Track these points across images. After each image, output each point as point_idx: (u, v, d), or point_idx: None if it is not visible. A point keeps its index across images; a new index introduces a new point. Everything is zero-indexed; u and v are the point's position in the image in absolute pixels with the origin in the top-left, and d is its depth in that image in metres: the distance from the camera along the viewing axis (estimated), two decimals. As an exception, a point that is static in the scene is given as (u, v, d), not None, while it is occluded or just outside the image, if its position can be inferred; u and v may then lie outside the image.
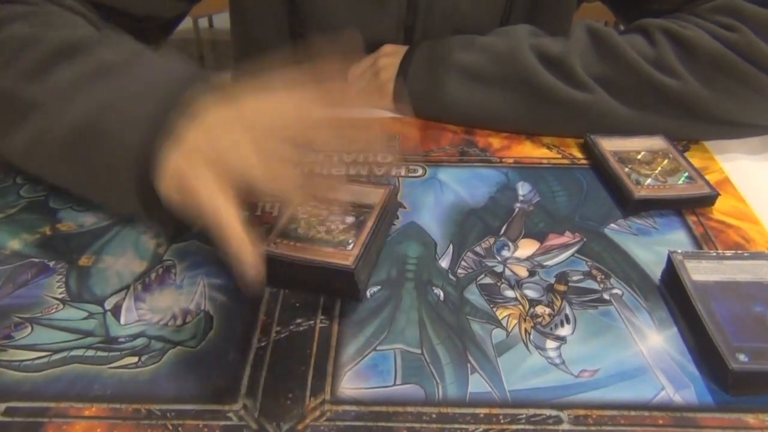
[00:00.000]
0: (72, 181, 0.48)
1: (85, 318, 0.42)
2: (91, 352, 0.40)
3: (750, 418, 0.36)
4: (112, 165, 0.41)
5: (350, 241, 0.44)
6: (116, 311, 0.43)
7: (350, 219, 0.46)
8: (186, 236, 0.49)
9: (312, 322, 0.42)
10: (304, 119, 0.39)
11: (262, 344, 0.41)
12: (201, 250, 0.48)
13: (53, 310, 0.43)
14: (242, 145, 0.37)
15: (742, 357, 0.37)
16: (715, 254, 0.45)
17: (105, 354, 0.40)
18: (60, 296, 0.44)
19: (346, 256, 0.43)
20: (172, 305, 0.43)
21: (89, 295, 0.44)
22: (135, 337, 0.41)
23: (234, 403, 0.37)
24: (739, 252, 0.46)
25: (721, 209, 0.52)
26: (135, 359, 0.40)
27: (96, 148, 0.42)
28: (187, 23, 2.41)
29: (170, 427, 0.36)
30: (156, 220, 0.43)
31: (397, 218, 0.51)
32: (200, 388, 0.38)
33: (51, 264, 0.47)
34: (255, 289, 0.37)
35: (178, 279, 0.46)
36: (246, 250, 0.35)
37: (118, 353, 0.40)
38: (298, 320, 0.42)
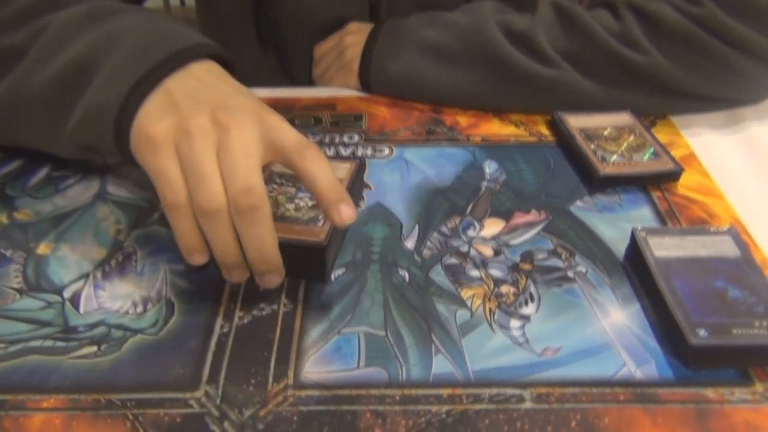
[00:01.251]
0: (45, 130, 0.46)
1: (43, 308, 0.42)
2: (49, 343, 0.39)
3: (709, 392, 0.37)
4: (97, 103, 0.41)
5: (320, 217, 0.43)
6: (75, 300, 0.42)
7: None
8: (146, 222, 0.48)
9: (275, 306, 0.42)
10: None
11: (225, 330, 0.40)
12: (163, 236, 0.47)
13: (10, 301, 0.42)
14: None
15: (702, 332, 0.38)
16: (677, 230, 0.46)
17: (63, 344, 0.39)
18: (17, 286, 0.43)
19: (317, 233, 0.42)
20: (133, 293, 0.43)
21: (47, 285, 0.43)
22: (94, 326, 0.40)
23: (195, 391, 0.37)
24: (701, 227, 0.47)
25: (685, 184, 0.53)
26: (94, 348, 0.39)
27: (81, 87, 0.42)
28: (157, 0, 2.36)
29: (130, 417, 0.35)
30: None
31: (363, 199, 0.51)
32: (161, 377, 0.37)
33: (8, 253, 0.46)
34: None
35: (139, 266, 0.45)
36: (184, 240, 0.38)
37: (77, 343, 0.39)
38: (261, 305, 0.42)
